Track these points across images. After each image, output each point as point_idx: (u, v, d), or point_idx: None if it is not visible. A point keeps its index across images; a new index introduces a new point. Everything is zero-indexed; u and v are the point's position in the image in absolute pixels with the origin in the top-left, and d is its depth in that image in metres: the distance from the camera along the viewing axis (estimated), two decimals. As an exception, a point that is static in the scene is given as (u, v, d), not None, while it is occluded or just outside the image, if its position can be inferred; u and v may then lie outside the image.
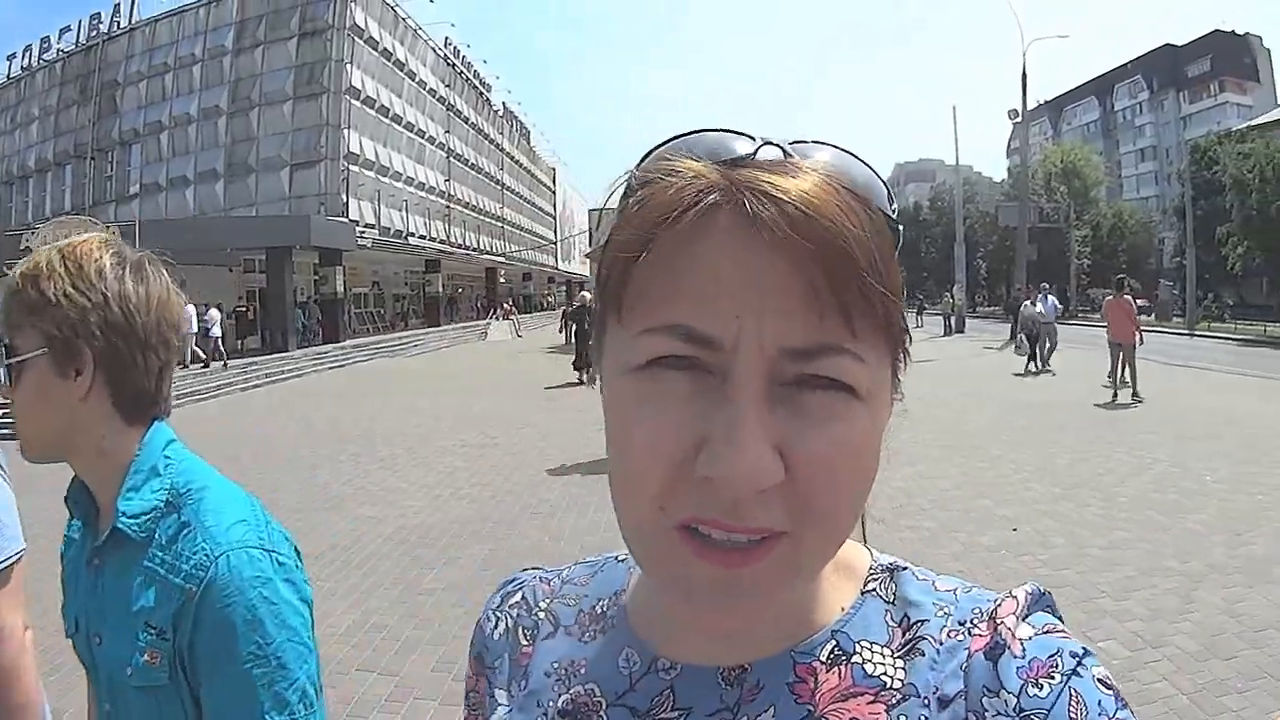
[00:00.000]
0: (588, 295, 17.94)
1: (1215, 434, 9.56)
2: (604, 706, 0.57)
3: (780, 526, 0.45)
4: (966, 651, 0.52)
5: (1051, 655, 0.50)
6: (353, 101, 40.42)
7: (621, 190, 0.50)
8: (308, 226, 27.81)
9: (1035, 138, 56.63)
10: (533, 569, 0.70)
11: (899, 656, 0.53)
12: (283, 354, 24.05)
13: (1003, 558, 5.42)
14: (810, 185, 0.44)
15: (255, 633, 1.00)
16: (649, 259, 0.45)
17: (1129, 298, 13.49)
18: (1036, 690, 0.48)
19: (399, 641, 4.39)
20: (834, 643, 0.54)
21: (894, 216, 0.49)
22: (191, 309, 19.78)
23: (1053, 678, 0.49)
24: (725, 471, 0.42)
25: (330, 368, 23.94)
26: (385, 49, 44.15)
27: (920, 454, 8.30)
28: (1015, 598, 0.54)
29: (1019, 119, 38.02)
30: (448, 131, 53.26)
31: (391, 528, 6.64)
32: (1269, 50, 69.69)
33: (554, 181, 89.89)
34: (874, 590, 0.56)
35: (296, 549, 1.14)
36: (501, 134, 68.04)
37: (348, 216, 36.36)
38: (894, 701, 0.51)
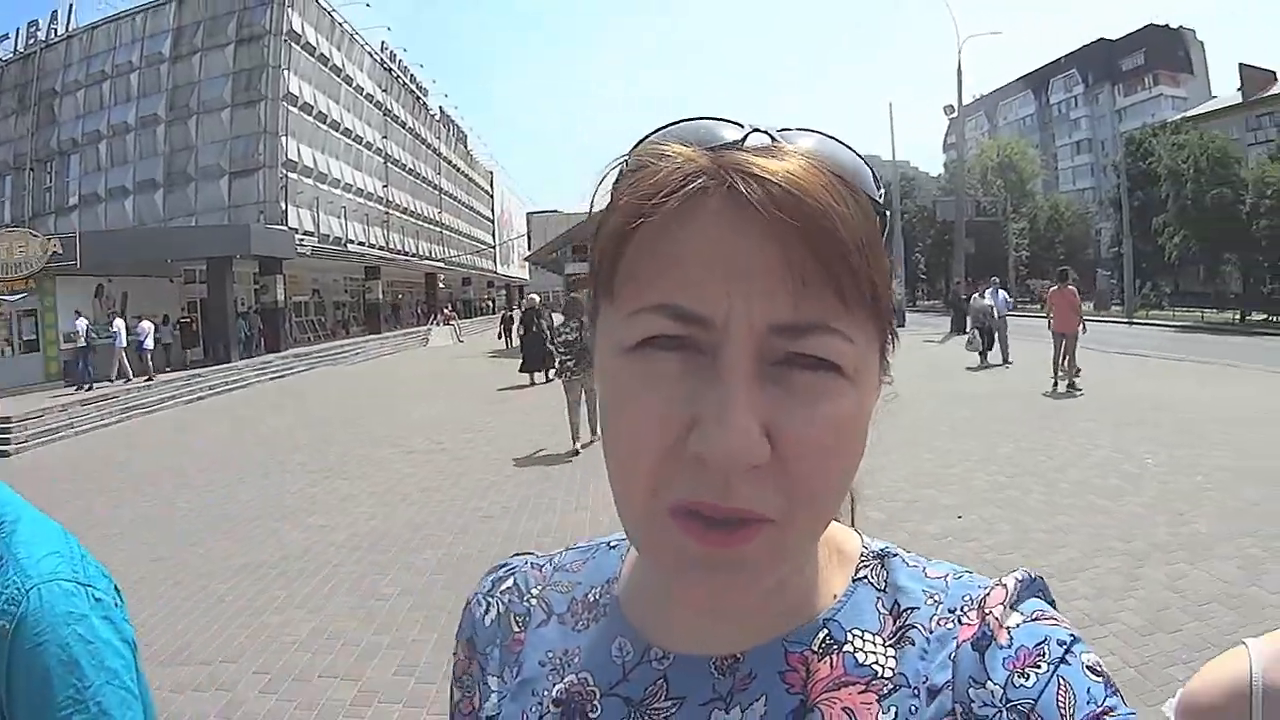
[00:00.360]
0: (536, 298, 18.37)
1: (1154, 419, 9.79)
2: (598, 696, 0.57)
3: (769, 511, 0.45)
4: (955, 641, 0.52)
5: (1039, 643, 0.50)
6: (290, 108, 39.94)
7: (614, 176, 0.51)
8: (248, 235, 27.76)
9: (972, 132, 56.78)
10: (524, 554, 0.71)
11: (890, 645, 0.53)
12: (226, 365, 24.02)
13: (949, 544, 5.59)
14: (796, 167, 0.44)
15: (72, 675, 0.93)
16: (639, 241, 0.46)
17: (1072, 289, 13.65)
18: (1023, 680, 0.48)
19: (358, 647, 4.48)
20: (826, 631, 0.54)
21: (881, 201, 0.49)
22: (120, 323, 20.01)
23: (1040, 667, 0.48)
24: (715, 449, 0.43)
25: (273, 378, 24.06)
26: (322, 54, 43.70)
27: (866, 447, 8.79)
28: (1005, 586, 0.54)
29: (955, 114, 38.17)
30: (385, 137, 52.81)
31: (344, 535, 6.76)
32: (1202, 43, 70.72)
33: (492, 185, 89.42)
34: (865, 577, 0.57)
35: (117, 587, 1.08)
36: (439, 138, 67.62)
37: (287, 224, 36.01)
38: (885, 691, 0.51)
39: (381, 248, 48.94)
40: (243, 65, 39.88)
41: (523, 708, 0.60)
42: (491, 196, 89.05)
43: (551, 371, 14.21)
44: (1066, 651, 0.49)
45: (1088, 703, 0.47)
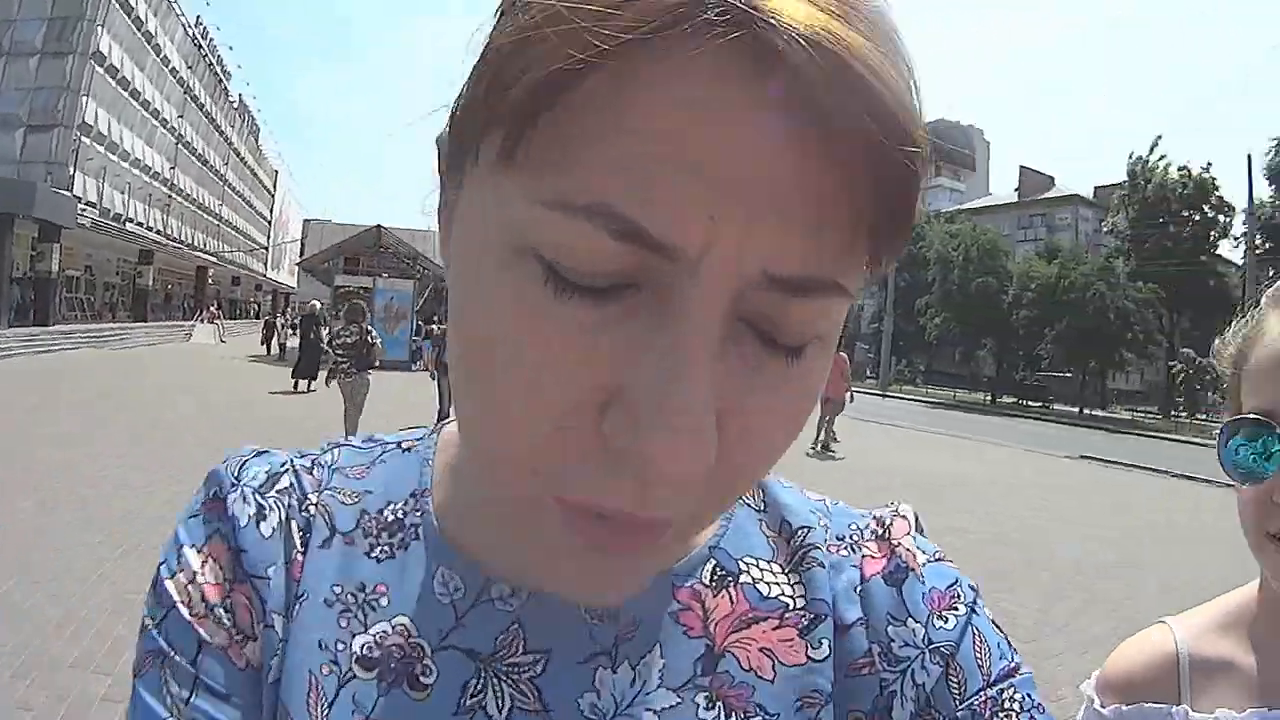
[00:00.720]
0: (317, 304, 18.20)
1: (903, 484, 10.24)
2: (428, 652, 0.43)
3: (684, 517, 0.35)
4: (858, 572, 0.47)
5: (951, 585, 0.46)
6: (97, 67, 36.59)
7: None
8: (33, 195, 25.56)
9: None
10: (277, 450, 0.51)
11: (790, 572, 0.47)
12: None
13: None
14: (865, 39, 0.28)
15: None
16: (584, 95, 0.28)
17: (844, 356, 13.82)
18: (943, 623, 0.44)
19: (109, 640, 3.97)
20: (714, 561, 0.46)
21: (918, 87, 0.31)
22: None
23: (956, 609, 0.45)
24: (650, 454, 0.30)
25: (39, 352, 22.09)
26: (138, 16, 40.52)
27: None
28: (905, 518, 0.49)
29: None
30: (181, 116, 49.19)
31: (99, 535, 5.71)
32: (988, 143, 79.37)
33: (275, 185, 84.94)
34: (741, 498, 0.48)
35: None
36: (232, 127, 63.69)
37: (72, 191, 32.97)
38: (805, 625, 0.45)
39: (159, 232, 45.53)
40: (60, 12, 36.20)
41: (309, 668, 0.42)
42: (273, 196, 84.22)
43: (320, 380, 13.20)
44: (976, 598, 0.46)
45: (1000, 657, 0.44)
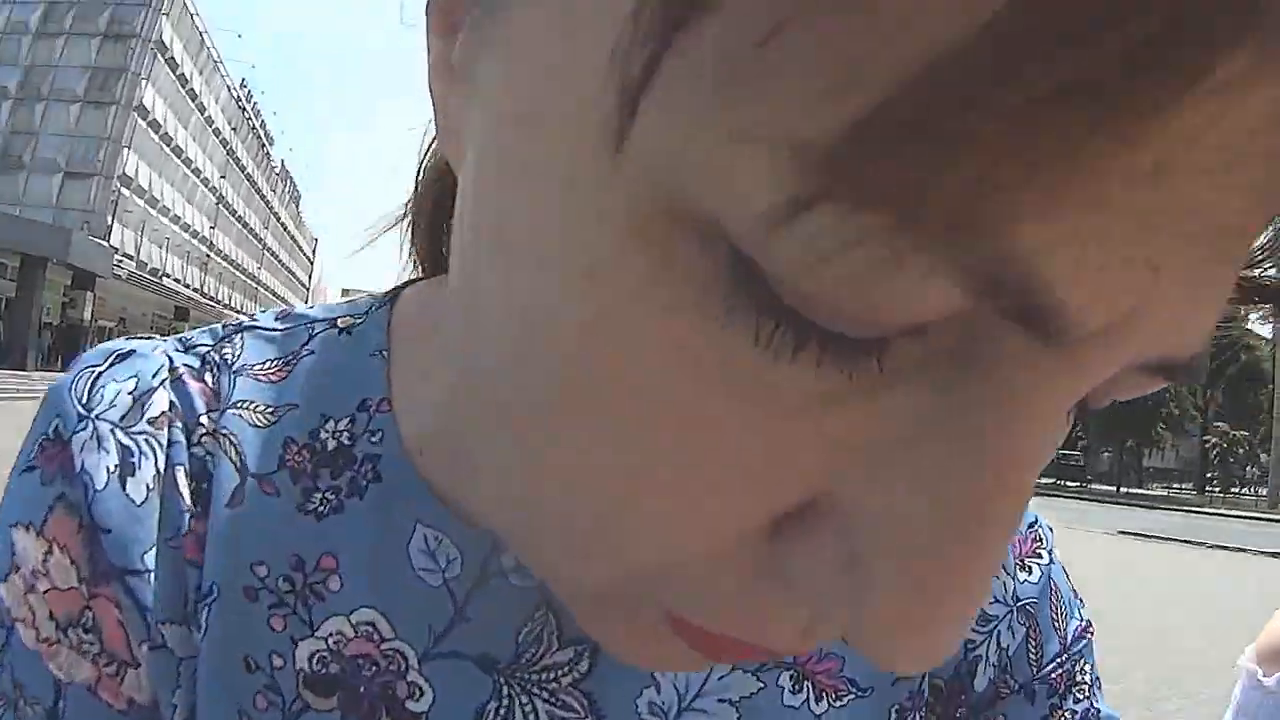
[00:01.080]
0: None
1: None
2: (413, 663, 0.29)
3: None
4: None
5: (1031, 526, 0.39)
6: (140, 120, 36.45)
7: None
8: (68, 241, 24.95)
9: None
10: (145, 340, 0.34)
11: None
12: (20, 371, 21.44)
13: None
14: None
15: None
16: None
17: None
18: (1027, 574, 0.37)
19: None
20: None
21: None
22: None
23: (1040, 556, 0.38)
24: (887, 615, 0.18)
25: None
26: (183, 74, 40.64)
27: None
28: None
29: None
30: (223, 177, 49.25)
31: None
32: None
33: (314, 253, 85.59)
34: None
35: None
36: (274, 191, 64.09)
37: (109, 242, 32.44)
38: None
39: (196, 289, 45.26)
40: (104, 63, 36.51)
41: (237, 703, 0.29)
42: (312, 264, 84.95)
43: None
44: (1051, 542, 0.39)
45: (1072, 616, 0.38)
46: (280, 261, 69.79)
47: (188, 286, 43.71)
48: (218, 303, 48.62)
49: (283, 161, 66.36)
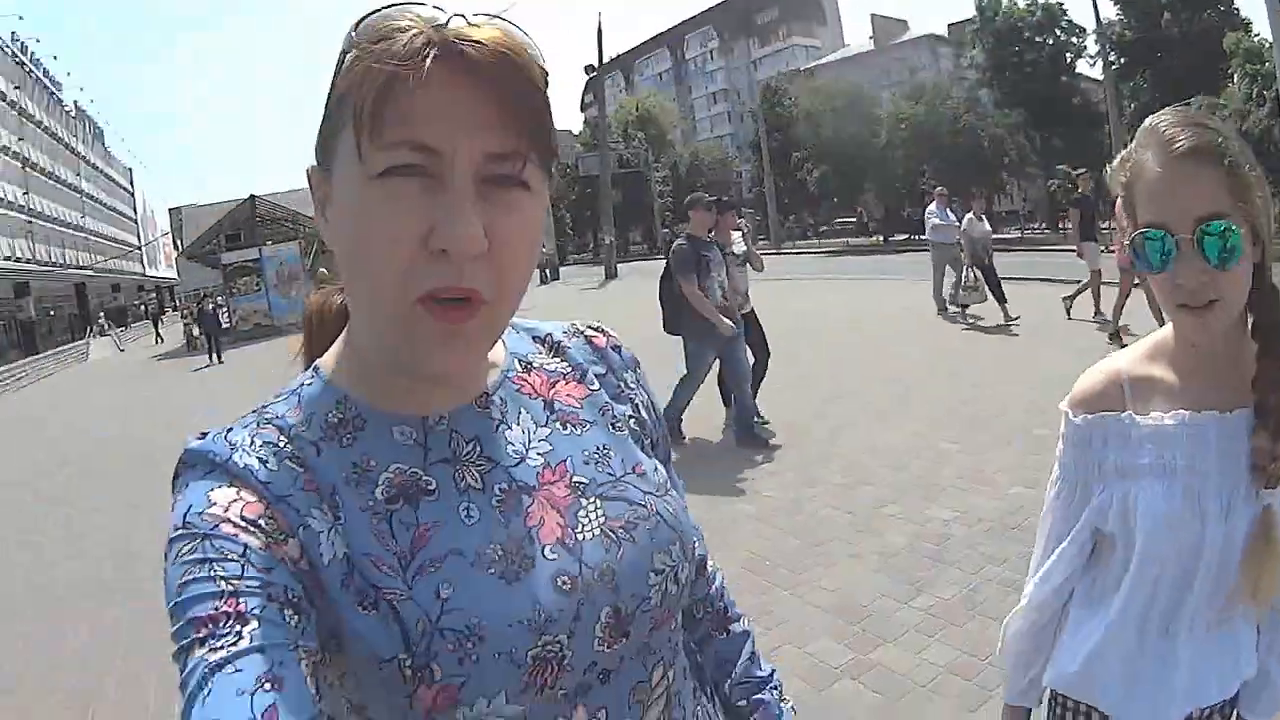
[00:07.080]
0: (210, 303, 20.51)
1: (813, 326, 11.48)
2: (422, 473, 0.67)
3: (487, 292, 0.60)
4: (589, 345, 0.84)
5: (615, 346, 0.86)
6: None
7: (346, 44, 0.61)
8: None
9: (609, 90, 55.14)
10: (213, 433, 0.67)
11: (554, 356, 0.81)
12: None
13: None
14: (501, 35, 0.59)
15: None
16: (393, 93, 0.56)
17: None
18: (640, 374, 0.86)
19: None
20: (516, 360, 0.78)
21: (544, 67, 0.62)
22: None
23: (640, 367, 0.88)
24: (451, 242, 0.57)
25: None
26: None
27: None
28: (592, 324, 0.88)
29: (595, 73, 38.44)
30: (21, 139, 48.89)
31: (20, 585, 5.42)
32: None
33: (132, 182, 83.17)
34: (505, 335, 0.78)
35: None
36: (75, 136, 62.68)
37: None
38: (579, 376, 0.80)
39: (29, 261, 45.82)
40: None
41: (368, 522, 0.64)
42: (132, 194, 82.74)
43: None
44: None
45: (653, 395, 0.89)
46: (101, 203, 68.84)
47: (19, 261, 44.27)
48: (57, 265, 49.45)
49: (75, 103, 64.56)
